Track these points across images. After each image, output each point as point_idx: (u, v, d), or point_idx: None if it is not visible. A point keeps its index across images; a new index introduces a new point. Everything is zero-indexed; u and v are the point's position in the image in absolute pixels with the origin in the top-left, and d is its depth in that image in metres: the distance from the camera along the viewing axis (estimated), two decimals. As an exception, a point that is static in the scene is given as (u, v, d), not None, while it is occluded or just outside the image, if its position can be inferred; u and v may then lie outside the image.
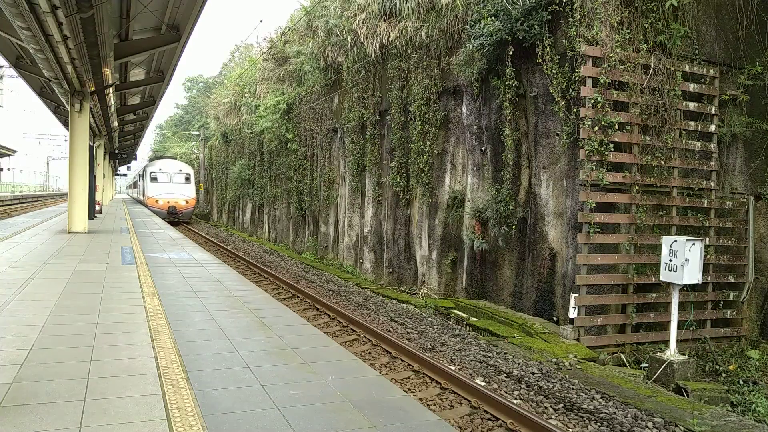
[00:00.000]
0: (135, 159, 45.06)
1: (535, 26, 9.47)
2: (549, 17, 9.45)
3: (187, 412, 3.20)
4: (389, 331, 9.17)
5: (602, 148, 8.60)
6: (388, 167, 15.21)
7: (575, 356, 8.01)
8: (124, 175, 59.72)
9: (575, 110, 9.00)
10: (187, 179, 33.82)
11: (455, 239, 12.65)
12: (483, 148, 11.72)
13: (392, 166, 14.74)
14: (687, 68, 9.22)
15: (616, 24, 8.82)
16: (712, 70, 9.48)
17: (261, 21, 29.14)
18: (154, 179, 33.06)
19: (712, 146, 9.59)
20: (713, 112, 9.50)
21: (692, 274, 7.56)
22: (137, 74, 17.39)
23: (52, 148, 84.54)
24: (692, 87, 9.31)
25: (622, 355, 8.61)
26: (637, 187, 8.95)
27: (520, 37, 9.68)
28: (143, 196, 35.55)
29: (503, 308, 10.78)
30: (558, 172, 9.84)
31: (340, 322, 9.51)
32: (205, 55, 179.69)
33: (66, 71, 11.47)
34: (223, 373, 3.91)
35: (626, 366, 8.37)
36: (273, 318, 5.79)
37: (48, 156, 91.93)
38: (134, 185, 61.85)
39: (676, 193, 9.33)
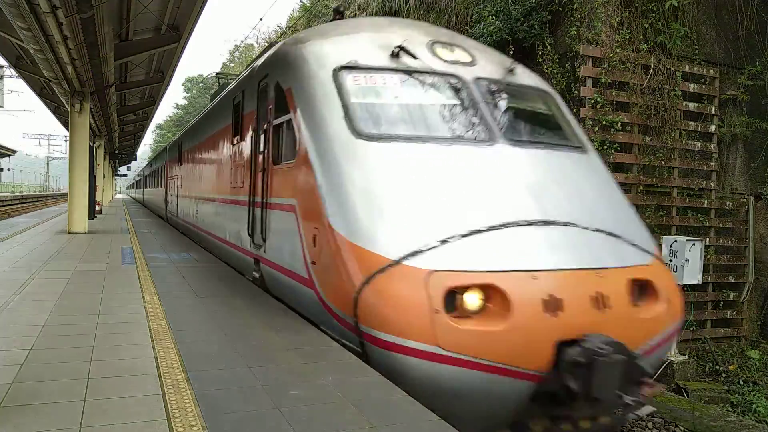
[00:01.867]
0: (135, 159, 44.64)
1: (535, 26, 9.48)
2: (549, 17, 9.46)
3: (187, 412, 3.20)
4: (389, 331, 9.15)
5: (603, 148, 8.60)
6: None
7: (575, 356, 7.99)
8: (124, 175, 55.33)
9: (575, 110, 9.00)
10: None
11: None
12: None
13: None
14: (687, 68, 9.22)
15: (616, 24, 8.83)
16: (712, 71, 9.48)
17: (261, 19, 28.84)
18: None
19: (712, 146, 9.60)
20: (713, 112, 9.50)
21: (692, 275, 7.56)
22: (137, 74, 17.39)
23: (52, 148, 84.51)
24: (692, 87, 9.31)
25: (622, 355, 8.60)
26: (637, 188, 8.94)
27: (521, 37, 9.69)
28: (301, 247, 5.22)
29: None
30: (558, 172, 9.83)
31: (340, 322, 9.48)
32: (205, 55, 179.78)
33: (66, 71, 11.46)
34: (224, 374, 3.91)
35: (626, 366, 8.35)
36: (274, 318, 5.78)
37: (48, 156, 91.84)
38: (139, 181, 35.34)
39: (677, 194, 9.33)
